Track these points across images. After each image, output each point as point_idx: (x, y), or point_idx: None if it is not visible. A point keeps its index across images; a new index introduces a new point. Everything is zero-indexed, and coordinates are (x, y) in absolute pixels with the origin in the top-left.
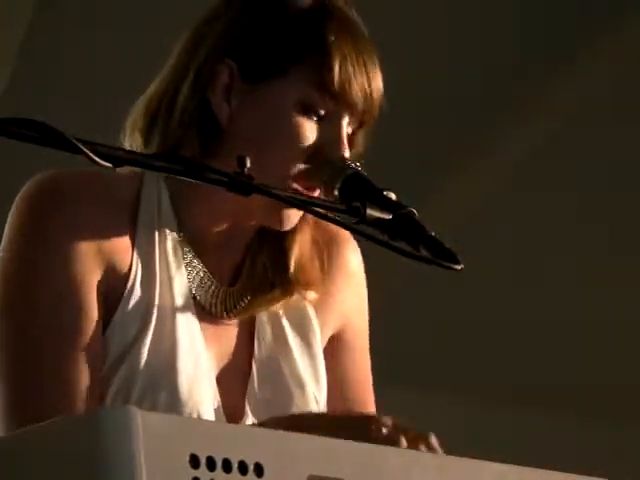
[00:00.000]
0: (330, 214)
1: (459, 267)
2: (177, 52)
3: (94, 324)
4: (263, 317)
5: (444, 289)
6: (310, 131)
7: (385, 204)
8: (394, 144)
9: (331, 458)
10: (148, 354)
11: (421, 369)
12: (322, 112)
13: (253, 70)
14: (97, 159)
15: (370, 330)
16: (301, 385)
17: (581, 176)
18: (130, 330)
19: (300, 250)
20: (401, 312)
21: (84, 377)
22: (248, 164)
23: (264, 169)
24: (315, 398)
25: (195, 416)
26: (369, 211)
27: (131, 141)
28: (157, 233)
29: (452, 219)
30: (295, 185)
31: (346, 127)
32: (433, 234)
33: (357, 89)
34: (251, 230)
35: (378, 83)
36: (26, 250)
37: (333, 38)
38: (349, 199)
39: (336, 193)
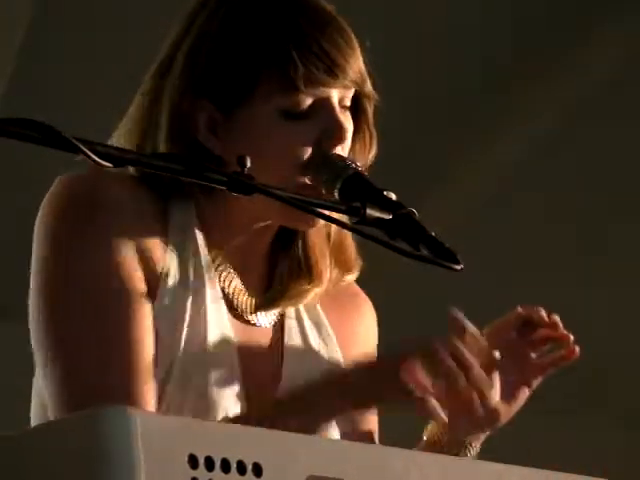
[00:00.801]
0: (330, 214)
1: (459, 267)
2: (142, 98)
3: (148, 312)
4: (292, 327)
5: (444, 289)
6: (302, 131)
7: (385, 204)
8: (394, 144)
9: (331, 458)
10: (182, 352)
11: None
12: (305, 107)
13: (225, 100)
14: (97, 159)
15: None
16: None
17: (581, 176)
18: (164, 326)
19: (325, 238)
20: (401, 311)
21: (145, 364)
22: (248, 164)
23: (272, 181)
24: None
25: (222, 416)
26: (369, 211)
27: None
28: (189, 238)
29: (452, 219)
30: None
31: (338, 103)
32: (433, 234)
33: (322, 76)
34: (272, 236)
35: (348, 56)
36: (69, 247)
37: (289, 37)
38: (349, 199)
39: (336, 193)
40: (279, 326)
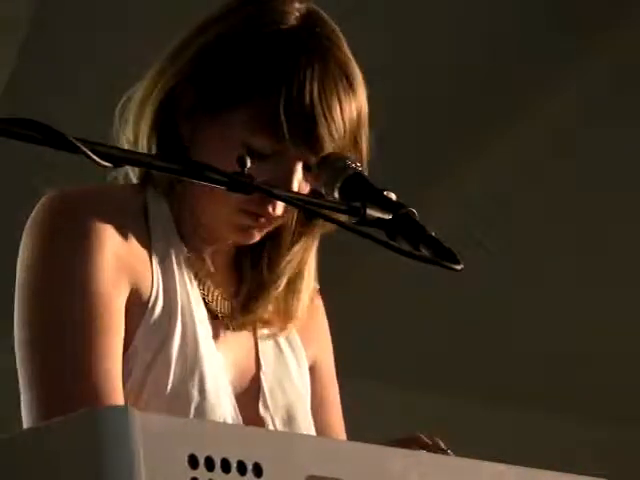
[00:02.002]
0: (330, 214)
1: (459, 267)
2: (146, 80)
3: (118, 339)
4: (262, 330)
5: (444, 289)
6: (255, 172)
7: (385, 204)
8: (394, 144)
9: (330, 458)
10: (175, 363)
11: (421, 369)
12: (268, 152)
13: (209, 101)
14: (97, 159)
15: (370, 331)
16: (300, 399)
17: (581, 176)
18: (156, 338)
19: (290, 253)
20: (401, 312)
21: (112, 373)
22: (248, 164)
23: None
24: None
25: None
26: (369, 211)
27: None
28: (169, 245)
29: (452, 219)
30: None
31: (301, 165)
32: (433, 234)
33: (302, 143)
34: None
35: (336, 118)
36: (48, 271)
37: (284, 81)
38: (349, 199)
39: (336, 193)
40: (253, 331)
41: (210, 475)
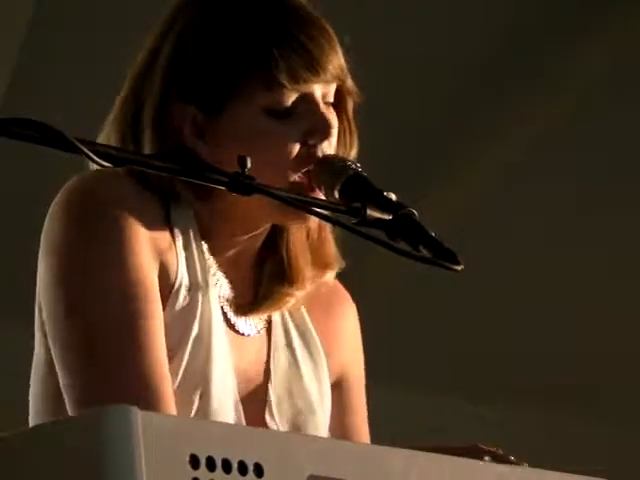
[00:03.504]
0: (330, 214)
1: (459, 267)
2: (122, 102)
3: (160, 312)
4: (278, 337)
5: (444, 289)
6: (288, 128)
7: (385, 205)
8: (394, 144)
9: (331, 458)
10: (187, 363)
11: (421, 370)
12: (289, 104)
13: (209, 103)
14: (97, 159)
15: (371, 330)
16: (312, 410)
17: (581, 176)
18: (174, 334)
19: (302, 244)
20: (402, 312)
21: (160, 359)
22: (249, 164)
23: (265, 181)
24: (323, 423)
25: None
26: (369, 211)
27: None
28: (192, 241)
29: (452, 219)
30: (298, 179)
31: (322, 99)
32: (433, 234)
33: (303, 71)
34: (261, 242)
35: (328, 52)
36: (84, 250)
37: (264, 42)
38: (349, 200)
39: (336, 194)
40: (266, 334)
41: (211, 475)
